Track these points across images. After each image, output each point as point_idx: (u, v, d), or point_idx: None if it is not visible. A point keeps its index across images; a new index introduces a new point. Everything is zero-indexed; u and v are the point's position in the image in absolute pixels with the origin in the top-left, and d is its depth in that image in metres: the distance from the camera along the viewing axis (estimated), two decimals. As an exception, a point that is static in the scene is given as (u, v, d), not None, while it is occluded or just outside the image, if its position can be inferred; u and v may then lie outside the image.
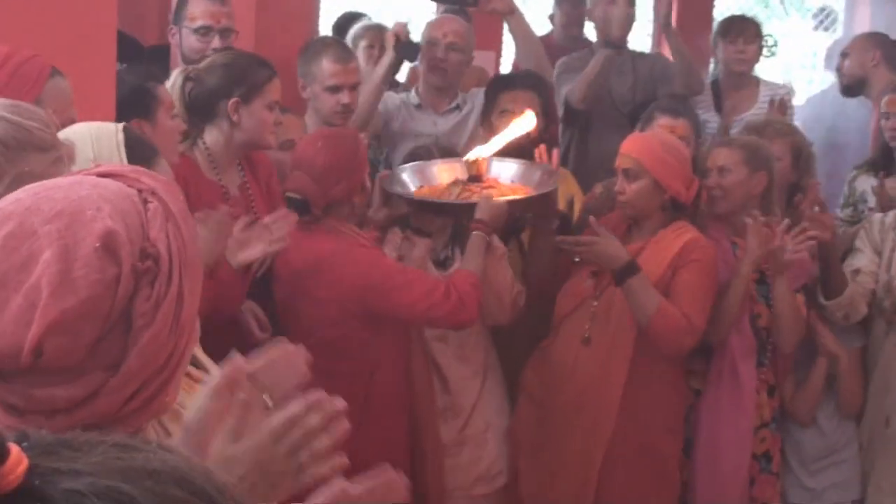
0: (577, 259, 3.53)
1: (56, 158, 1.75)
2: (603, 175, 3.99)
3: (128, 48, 3.42)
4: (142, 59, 4.03)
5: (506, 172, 3.53)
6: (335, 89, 3.76)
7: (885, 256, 3.77)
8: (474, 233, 3.27)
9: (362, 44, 4.77)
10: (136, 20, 4.54)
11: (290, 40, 4.09)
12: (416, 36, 4.23)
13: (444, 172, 3.54)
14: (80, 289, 1.08)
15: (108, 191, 1.16)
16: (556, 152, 3.68)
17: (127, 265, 1.11)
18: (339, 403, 1.33)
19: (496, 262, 3.40)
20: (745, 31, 4.94)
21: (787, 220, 3.51)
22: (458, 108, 4.38)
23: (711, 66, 5.61)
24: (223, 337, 2.14)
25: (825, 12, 9.00)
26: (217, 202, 3.13)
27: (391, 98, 4.34)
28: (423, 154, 3.70)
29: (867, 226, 3.87)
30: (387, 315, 3.18)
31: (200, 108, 3.25)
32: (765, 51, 5.09)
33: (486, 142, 3.56)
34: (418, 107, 4.34)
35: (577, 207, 3.93)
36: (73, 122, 2.35)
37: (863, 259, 3.78)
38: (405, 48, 4.07)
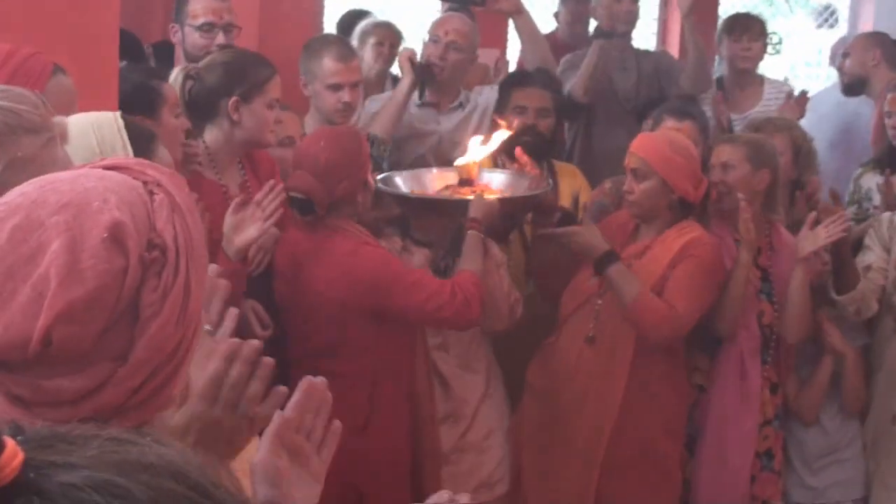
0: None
1: (48, 139, 1.74)
2: (608, 171, 4.01)
3: (127, 45, 3.41)
4: (141, 56, 4.02)
5: (496, 181, 3.58)
6: (336, 87, 3.76)
7: (894, 253, 3.77)
8: (469, 232, 3.28)
9: (371, 41, 4.78)
10: (140, 18, 4.54)
11: (294, 38, 4.09)
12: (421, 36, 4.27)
13: (437, 180, 3.57)
14: (88, 279, 1.08)
15: (114, 182, 1.16)
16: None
17: (134, 256, 1.11)
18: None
19: (494, 270, 3.40)
20: (750, 28, 4.94)
21: (813, 213, 3.53)
22: (461, 106, 4.39)
23: (716, 62, 5.61)
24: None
25: (829, 10, 8.99)
26: (216, 201, 3.12)
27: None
28: (421, 166, 3.75)
29: (876, 224, 3.88)
30: (394, 314, 3.18)
31: (201, 107, 3.25)
32: (769, 48, 5.09)
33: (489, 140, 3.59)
34: (421, 105, 4.34)
35: (584, 202, 3.94)
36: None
37: (872, 256, 3.78)
38: (423, 69, 4.15)
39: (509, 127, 3.62)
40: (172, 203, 1.17)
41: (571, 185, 3.99)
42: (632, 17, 4.82)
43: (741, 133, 4.09)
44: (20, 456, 0.69)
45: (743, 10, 6.36)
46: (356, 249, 3.15)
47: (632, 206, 3.51)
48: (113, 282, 1.10)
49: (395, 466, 3.28)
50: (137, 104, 2.87)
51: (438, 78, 4.29)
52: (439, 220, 3.57)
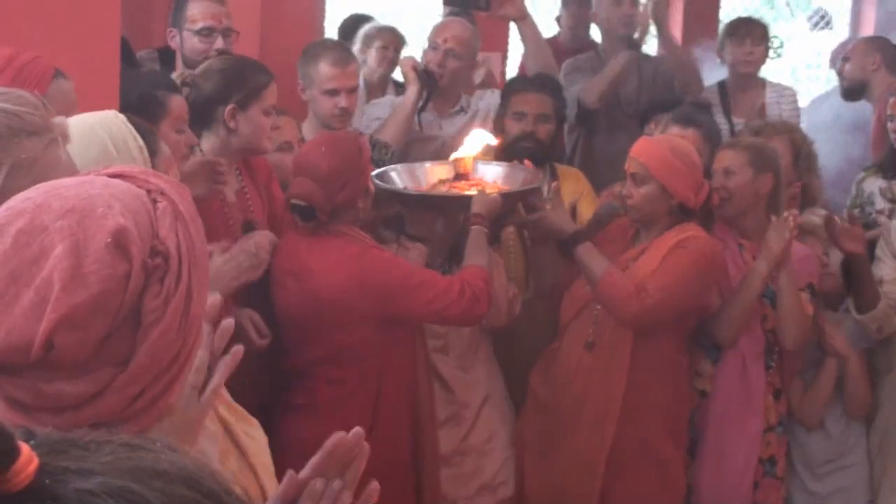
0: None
1: (50, 140, 1.73)
2: (609, 175, 4.01)
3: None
4: (132, 62, 3.99)
5: (490, 174, 3.59)
6: (333, 93, 3.75)
7: None
8: (473, 227, 3.28)
9: (376, 44, 4.78)
10: (142, 23, 4.53)
11: (295, 42, 4.09)
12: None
13: (430, 174, 3.58)
14: (91, 284, 1.09)
15: (119, 190, 1.17)
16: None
17: (137, 262, 1.12)
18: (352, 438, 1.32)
19: (491, 268, 3.40)
20: (752, 32, 4.94)
21: (794, 211, 3.51)
22: (462, 110, 4.39)
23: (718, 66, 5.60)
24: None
25: (818, 13, 8.99)
26: (213, 208, 3.10)
27: (395, 102, 4.34)
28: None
29: (885, 234, 3.85)
30: (403, 316, 3.18)
31: (197, 115, 3.22)
32: (771, 52, 5.09)
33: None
34: (422, 110, 4.34)
35: (584, 206, 3.94)
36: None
37: (885, 269, 3.76)
38: (426, 76, 4.15)
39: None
40: (175, 211, 1.18)
41: (574, 188, 3.99)
42: (631, 21, 4.81)
43: (742, 138, 4.07)
44: (35, 461, 0.69)
45: (744, 15, 6.36)
46: (361, 254, 3.14)
47: (631, 211, 3.50)
48: (116, 287, 1.10)
49: (396, 469, 3.27)
50: (136, 114, 2.82)
51: (439, 84, 4.29)
52: (440, 216, 3.57)
